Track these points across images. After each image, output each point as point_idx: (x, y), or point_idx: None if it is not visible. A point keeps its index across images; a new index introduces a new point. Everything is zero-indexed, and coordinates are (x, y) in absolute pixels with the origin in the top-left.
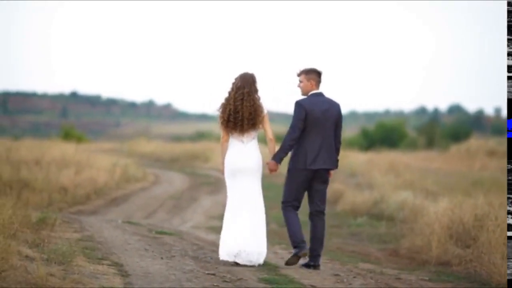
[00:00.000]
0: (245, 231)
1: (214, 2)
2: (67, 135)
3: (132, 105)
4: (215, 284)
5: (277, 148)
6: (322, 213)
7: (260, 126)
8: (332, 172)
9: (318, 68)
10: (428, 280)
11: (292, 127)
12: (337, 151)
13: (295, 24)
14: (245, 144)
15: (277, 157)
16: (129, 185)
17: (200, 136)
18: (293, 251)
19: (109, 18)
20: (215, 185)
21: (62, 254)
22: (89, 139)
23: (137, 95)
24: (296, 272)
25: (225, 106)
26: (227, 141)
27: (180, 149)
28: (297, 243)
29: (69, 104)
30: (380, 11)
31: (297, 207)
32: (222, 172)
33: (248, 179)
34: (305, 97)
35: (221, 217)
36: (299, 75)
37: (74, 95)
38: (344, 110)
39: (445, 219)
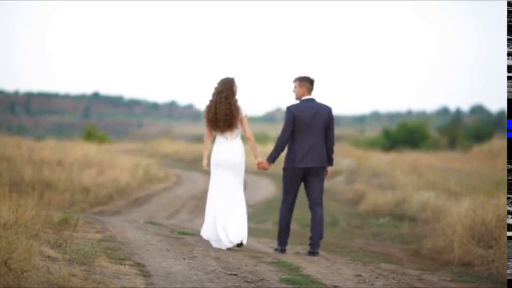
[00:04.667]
0: (221, 220)
1: (238, 2)
2: (90, 136)
3: (155, 106)
4: (237, 284)
5: (258, 147)
6: (318, 205)
7: (239, 126)
8: (328, 169)
9: (311, 77)
10: (450, 281)
11: (283, 130)
12: (330, 151)
13: (315, 26)
14: (229, 141)
15: (271, 157)
16: (152, 185)
17: None
18: (275, 247)
19: (132, 19)
20: None
21: (84, 254)
22: (112, 140)
23: (160, 96)
24: (318, 273)
25: (209, 108)
26: (210, 137)
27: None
28: (279, 241)
29: (92, 105)
30: (408, 9)
31: (293, 201)
32: (206, 165)
33: (229, 173)
34: (297, 101)
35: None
36: (294, 81)
37: (96, 96)
38: (367, 110)
39: (468, 220)
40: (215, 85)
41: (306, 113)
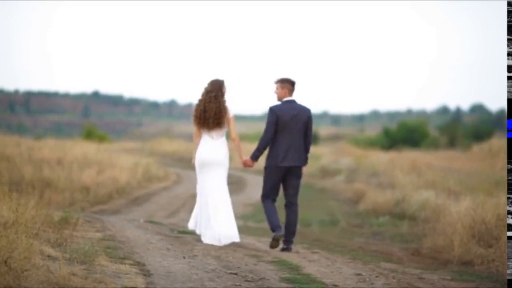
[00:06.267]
0: (210, 216)
1: (238, 2)
2: (89, 135)
3: (154, 105)
4: (237, 283)
5: (244, 146)
6: (294, 204)
7: (226, 126)
8: (303, 168)
9: (292, 78)
10: (450, 280)
11: (266, 130)
12: (307, 150)
13: (316, 26)
14: (215, 140)
15: (253, 156)
16: (151, 184)
17: None
18: (272, 234)
19: (132, 19)
20: (237, 184)
21: (84, 253)
22: (111, 139)
23: (159, 95)
24: (318, 272)
25: (198, 106)
26: (198, 136)
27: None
28: (273, 227)
29: (91, 104)
30: (408, 9)
31: (274, 199)
32: (193, 163)
33: (215, 171)
34: (279, 103)
35: (243, 217)
36: (276, 83)
37: (96, 95)
38: (367, 109)
39: (467, 219)
40: (205, 85)
41: (288, 114)
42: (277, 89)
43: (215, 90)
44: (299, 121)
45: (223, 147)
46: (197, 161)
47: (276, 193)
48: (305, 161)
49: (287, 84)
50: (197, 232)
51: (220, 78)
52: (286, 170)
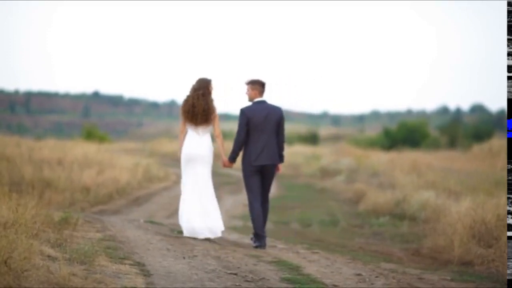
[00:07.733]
0: (195, 210)
1: (240, 2)
2: (90, 135)
3: (154, 105)
4: (237, 284)
5: (227, 144)
6: (265, 202)
7: (211, 123)
8: (279, 166)
9: (262, 80)
10: (451, 280)
11: (238, 131)
12: (281, 149)
13: (316, 26)
14: (200, 136)
15: (230, 157)
16: (151, 184)
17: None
18: (253, 239)
19: (132, 19)
20: (237, 184)
21: (84, 253)
22: (111, 139)
23: (159, 95)
24: (318, 272)
25: (186, 102)
26: (183, 131)
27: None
28: (256, 231)
29: (91, 104)
30: (408, 9)
31: (257, 197)
32: (179, 158)
33: (200, 166)
34: (250, 103)
35: (242, 217)
36: (246, 84)
37: (96, 95)
38: (367, 109)
39: (468, 219)
40: (193, 83)
41: (259, 114)
42: (247, 90)
43: (202, 88)
44: (271, 120)
45: (208, 143)
46: (183, 156)
47: (257, 191)
48: (280, 159)
49: (257, 86)
50: (193, 235)
51: (208, 77)
52: (261, 168)
